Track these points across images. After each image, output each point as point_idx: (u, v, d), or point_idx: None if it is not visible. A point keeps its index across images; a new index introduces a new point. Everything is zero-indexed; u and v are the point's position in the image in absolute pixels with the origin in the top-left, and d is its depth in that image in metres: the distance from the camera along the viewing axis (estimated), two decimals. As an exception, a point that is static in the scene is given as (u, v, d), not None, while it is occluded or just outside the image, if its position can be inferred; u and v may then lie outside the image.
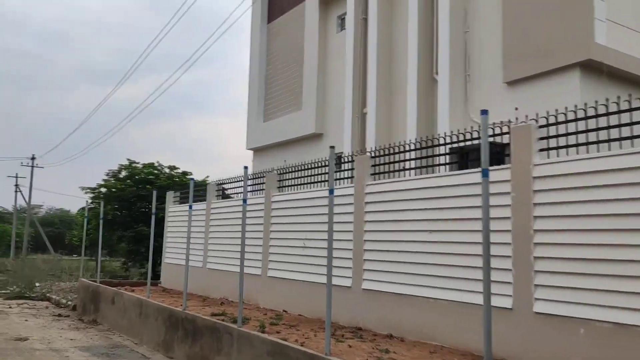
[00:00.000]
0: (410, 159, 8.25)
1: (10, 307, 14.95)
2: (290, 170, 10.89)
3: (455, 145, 7.77)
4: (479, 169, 6.71)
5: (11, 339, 9.84)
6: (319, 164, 10.02)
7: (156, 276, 18.89)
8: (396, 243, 7.73)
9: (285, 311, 9.87)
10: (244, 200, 7.95)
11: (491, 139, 7.11)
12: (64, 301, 15.86)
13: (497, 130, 6.66)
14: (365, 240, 8.31)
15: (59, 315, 13.56)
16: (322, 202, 9.43)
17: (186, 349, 8.46)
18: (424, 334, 6.94)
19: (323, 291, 9.18)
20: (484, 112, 4.35)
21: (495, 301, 6.01)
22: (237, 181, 12.61)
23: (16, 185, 50.28)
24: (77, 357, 8.51)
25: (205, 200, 13.71)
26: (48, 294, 17.74)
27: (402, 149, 8.30)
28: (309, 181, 10.38)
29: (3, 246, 47.83)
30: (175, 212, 15.31)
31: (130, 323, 10.90)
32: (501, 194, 6.20)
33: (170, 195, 15.90)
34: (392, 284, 7.63)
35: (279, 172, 11.15)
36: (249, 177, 12.48)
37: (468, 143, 7.49)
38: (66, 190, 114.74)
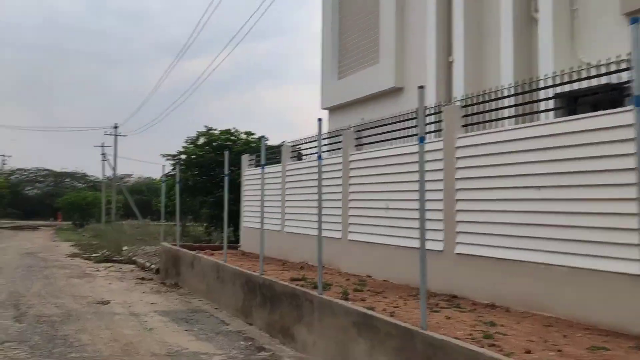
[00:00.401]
0: (506, 107, 7.20)
1: (97, 270, 15.33)
2: (369, 126, 10.07)
3: (559, 89, 6.66)
4: (602, 112, 5.66)
5: (93, 302, 9.86)
6: (401, 118, 9.13)
7: (237, 240, 18.94)
8: (494, 202, 6.78)
9: (369, 276, 9.22)
10: (319, 157, 7.26)
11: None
12: (148, 264, 16.10)
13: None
14: (457, 200, 7.41)
15: (142, 278, 13.68)
16: (405, 159, 8.60)
17: (265, 316, 8.02)
18: (533, 303, 6.03)
19: (409, 255, 8.48)
20: (635, 20, 3.32)
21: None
22: (312, 141, 11.95)
23: (103, 154, 52.80)
24: (156, 322, 8.30)
25: (280, 162, 13.22)
26: (134, 258, 18.16)
27: (497, 95, 7.25)
28: (390, 137, 9.55)
29: (95, 213, 50.49)
30: (251, 175, 14.97)
31: (209, 287, 10.67)
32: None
33: (245, 158, 15.56)
34: (492, 248, 6.73)
35: (356, 130, 10.37)
36: (325, 137, 11.80)
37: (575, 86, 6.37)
38: (150, 159, 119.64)
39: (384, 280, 8.80)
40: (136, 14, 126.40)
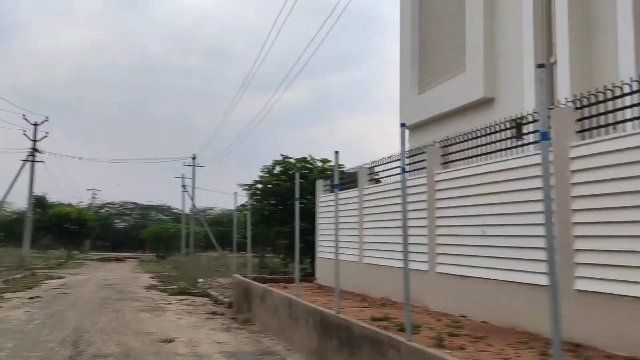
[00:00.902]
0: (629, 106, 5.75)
1: (169, 304, 14.74)
2: (458, 140, 8.79)
3: None
4: None
5: (157, 340, 9.06)
6: (500, 127, 7.80)
7: (314, 272, 17.93)
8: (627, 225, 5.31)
9: (463, 316, 7.83)
10: (403, 170, 6.05)
11: None
12: (221, 298, 15.36)
13: None
14: (574, 223, 5.98)
15: (213, 313, 12.88)
16: (506, 175, 7.27)
17: (342, 363, 6.82)
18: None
19: (515, 291, 7.05)
20: None
21: None
22: (392, 161, 10.79)
23: (183, 185, 54.13)
24: (219, 367, 7.33)
25: (357, 186, 12.14)
26: (208, 290, 17.54)
27: (625, 91, 5.81)
28: (483, 152, 8.22)
29: (177, 244, 51.44)
30: (325, 201, 13.96)
31: (281, 324, 9.62)
32: None
33: (320, 184, 14.61)
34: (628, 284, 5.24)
35: (442, 145, 9.11)
36: (406, 155, 10.60)
37: None
38: (230, 191, 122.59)
39: (483, 322, 7.39)
40: (220, 52, 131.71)
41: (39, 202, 60.85)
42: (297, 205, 9.97)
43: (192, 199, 51.78)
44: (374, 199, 11.18)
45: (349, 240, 11.92)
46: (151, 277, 25.86)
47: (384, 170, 11.26)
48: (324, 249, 13.81)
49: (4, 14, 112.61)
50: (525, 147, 7.41)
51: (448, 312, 8.15)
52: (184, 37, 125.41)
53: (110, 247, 70.67)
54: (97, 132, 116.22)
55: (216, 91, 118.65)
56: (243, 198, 26.85)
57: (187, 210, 54.98)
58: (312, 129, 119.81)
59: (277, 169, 24.43)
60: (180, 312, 13.03)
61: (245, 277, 13.55)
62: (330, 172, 21.26)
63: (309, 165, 24.12)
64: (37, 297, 15.70)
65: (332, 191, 13.94)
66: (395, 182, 10.56)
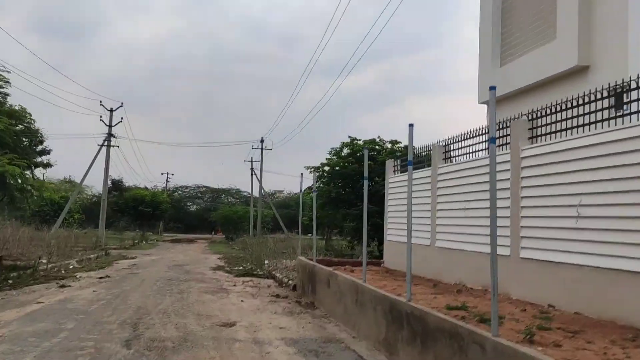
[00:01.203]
0: None
1: (234, 285, 14.50)
2: (547, 112, 7.78)
3: None
4: None
5: (218, 324, 8.68)
6: (593, 98, 6.76)
7: (381, 255, 17.21)
8: None
9: (551, 306, 6.94)
10: (492, 139, 5.22)
11: None
12: (285, 280, 14.97)
13: None
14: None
15: (277, 295, 12.47)
16: (605, 149, 6.31)
17: (415, 356, 6.12)
18: None
19: (616, 280, 6.06)
20: None
21: None
22: (472, 137, 9.84)
23: (251, 168, 54.77)
24: (280, 354, 6.81)
25: (429, 165, 11.30)
26: (274, 272, 17.23)
27: None
28: (576, 125, 7.21)
29: (245, 226, 52.15)
30: (395, 182, 13.18)
31: (346, 310, 9.02)
32: None
33: (389, 164, 13.82)
34: None
35: (530, 118, 8.13)
36: (482, 132, 9.65)
37: None
38: (295, 173, 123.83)
39: (575, 314, 6.50)
40: (291, 39, 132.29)
41: (116, 186, 63.49)
42: (365, 184, 9.28)
43: (260, 181, 52.23)
44: (449, 179, 10.32)
45: (420, 222, 11.17)
46: (219, 258, 26.03)
47: (460, 148, 10.33)
48: (392, 232, 13.07)
49: (88, 10, 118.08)
50: (628, 117, 6.40)
51: (533, 301, 7.28)
52: (256, 26, 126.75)
53: (183, 229, 72.84)
54: (172, 119, 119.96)
55: (287, 78, 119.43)
56: (310, 181, 26.55)
57: (255, 193, 55.61)
58: (381, 112, 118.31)
59: (345, 151, 23.85)
60: (243, 294, 12.72)
61: (311, 259, 13.05)
62: (400, 153, 20.37)
63: (377, 147, 23.37)
64: (107, 276, 15.92)
65: (402, 171, 13.13)
66: (473, 160, 9.67)
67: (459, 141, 10.35)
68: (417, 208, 11.59)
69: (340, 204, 22.92)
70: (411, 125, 7.17)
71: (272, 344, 7.37)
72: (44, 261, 17.72)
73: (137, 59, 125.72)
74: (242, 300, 11.51)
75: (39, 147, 38.02)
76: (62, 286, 13.18)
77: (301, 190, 14.90)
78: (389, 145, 22.82)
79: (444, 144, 10.90)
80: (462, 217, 9.80)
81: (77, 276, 15.75)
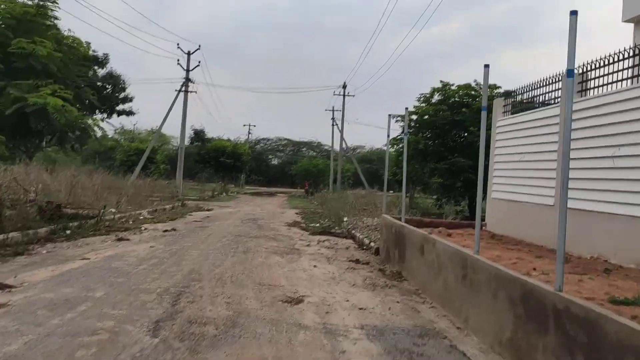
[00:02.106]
0: None
1: (308, 245, 12.67)
2: None
3: None
4: None
5: (281, 299, 6.79)
6: None
7: (473, 215, 14.80)
8: None
9: None
10: None
11: None
12: (366, 241, 12.96)
13: None
14: None
15: (357, 261, 10.48)
16: None
17: (569, 379, 3.88)
18: None
19: None
20: None
21: None
22: (622, 58, 7.12)
23: (332, 118, 52.87)
24: (359, 358, 4.78)
25: (555, 103, 8.71)
26: (353, 231, 15.29)
27: None
28: None
29: (325, 181, 50.74)
30: (506, 126, 10.58)
31: (447, 289, 6.85)
32: None
33: (498, 104, 11.20)
34: None
35: None
36: (631, 54, 6.93)
37: None
38: (380, 125, 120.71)
39: None
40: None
41: (199, 136, 63.75)
42: (484, 116, 6.91)
43: (341, 131, 50.14)
44: (587, 116, 7.69)
45: (540, 176, 8.72)
46: (296, 213, 24.54)
47: (603, 76, 7.63)
48: (500, 187, 10.58)
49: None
50: None
51: None
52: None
53: (264, 182, 72.73)
54: (254, 71, 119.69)
55: (370, 29, 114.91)
56: (395, 132, 24.06)
57: (336, 146, 53.82)
58: (469, 62, 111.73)
59: (436, 97, 21.18)
60: (318, 256, 10.84)
61: (398, 218, 10.90)
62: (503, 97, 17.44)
63: (473, 92, 20.52)
64: (173, 230, 14.61)
65: (514, 112, 10.52)
66: (626, 90, 7.00)
67: (603, 66, 7.64)
68: (537, 157, 9.13)
69: (428, 158, 20.49)
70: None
71: (349, 336, 5.35)
72: (113, 210, 16.80)
73: (222, 13, 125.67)
74: (314, 266, 9.62)
75: (122, 95, 37.88)
76: (120, 239, 11.90)
77: (388, 135, 12.60)
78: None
79: (580, 71, 8.19)
80: (606, 169, 7.26)
81: (143, 228, 14.58)
